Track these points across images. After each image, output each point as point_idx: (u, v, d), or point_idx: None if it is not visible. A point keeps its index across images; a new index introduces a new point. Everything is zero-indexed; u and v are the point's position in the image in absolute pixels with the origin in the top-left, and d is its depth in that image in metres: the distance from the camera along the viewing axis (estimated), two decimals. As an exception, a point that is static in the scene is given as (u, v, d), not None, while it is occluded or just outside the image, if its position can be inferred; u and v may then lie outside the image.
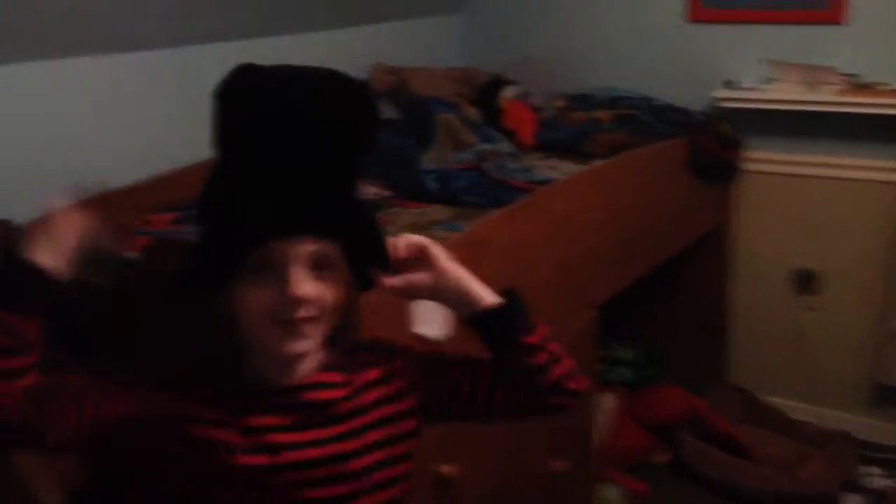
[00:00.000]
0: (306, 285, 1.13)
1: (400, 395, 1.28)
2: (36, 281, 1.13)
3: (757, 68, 3.22)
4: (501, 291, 1.28)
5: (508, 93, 3.29)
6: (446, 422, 1.34)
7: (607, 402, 3.03)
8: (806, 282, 3.34)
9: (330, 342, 1.24)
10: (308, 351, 1.20)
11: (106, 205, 2.49)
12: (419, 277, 1.26)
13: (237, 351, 1.22)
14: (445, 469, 1.93)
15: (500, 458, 2.16)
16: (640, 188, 2.80)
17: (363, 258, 1.21)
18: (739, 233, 3.42)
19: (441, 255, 1.27)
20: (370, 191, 2.76)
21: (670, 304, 3.50)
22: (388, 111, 3.17)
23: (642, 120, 3.12)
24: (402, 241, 1.26)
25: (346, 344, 1.26)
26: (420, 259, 1.26)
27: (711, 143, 3.12)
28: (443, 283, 1.26)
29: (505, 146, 3.09)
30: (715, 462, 2.94)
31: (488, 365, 1.29)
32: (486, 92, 3.33)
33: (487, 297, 1.26)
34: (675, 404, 3.02)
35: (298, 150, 1.13)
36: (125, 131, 2.59)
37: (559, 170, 2.90)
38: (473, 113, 3.19)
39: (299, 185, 1.13)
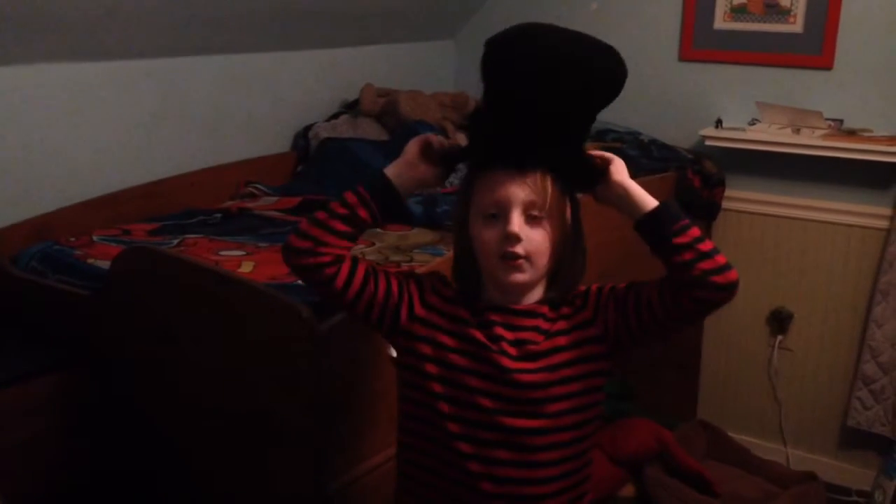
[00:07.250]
0: (520, 226, 1.42)
1: (586, 325, 1.51)
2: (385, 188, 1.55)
3: (744, 109, 3.26)
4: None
5: (497, 119, 3.28)
6: (633, 345, 1.52)
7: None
8: (780, 322, 3.37)
9: (550, 284, 1.52)
10: (525, 283, 1.48)
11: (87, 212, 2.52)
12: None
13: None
14: None
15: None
16: (622, 221, 2.79)
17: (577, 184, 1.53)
18: (718, 270, 3.44)
19: (619, 169, 1.51)
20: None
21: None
22: (376, 132, 3.19)
23: (628, 154, 3.12)
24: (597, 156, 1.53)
25: (564, 286, 1.53)
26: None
27: (695, 180, 3.15)
28: (612, 190, 1.51)
29: (490, 172, 3.10)
30: (680, 498, 2.92)
31: (650, 282, 1.49)
32: (475, 117, 3.34)
33: (650, 203, 1.48)
34: (644, 438, 3.01)
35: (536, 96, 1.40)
36: (106, 140, 2.57)
37: (543, 199, 2.92)
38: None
39: (531, 123, 1.41)
